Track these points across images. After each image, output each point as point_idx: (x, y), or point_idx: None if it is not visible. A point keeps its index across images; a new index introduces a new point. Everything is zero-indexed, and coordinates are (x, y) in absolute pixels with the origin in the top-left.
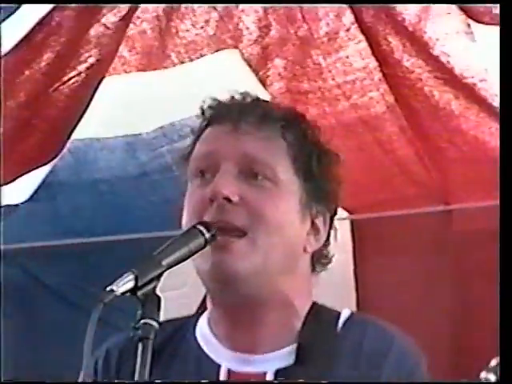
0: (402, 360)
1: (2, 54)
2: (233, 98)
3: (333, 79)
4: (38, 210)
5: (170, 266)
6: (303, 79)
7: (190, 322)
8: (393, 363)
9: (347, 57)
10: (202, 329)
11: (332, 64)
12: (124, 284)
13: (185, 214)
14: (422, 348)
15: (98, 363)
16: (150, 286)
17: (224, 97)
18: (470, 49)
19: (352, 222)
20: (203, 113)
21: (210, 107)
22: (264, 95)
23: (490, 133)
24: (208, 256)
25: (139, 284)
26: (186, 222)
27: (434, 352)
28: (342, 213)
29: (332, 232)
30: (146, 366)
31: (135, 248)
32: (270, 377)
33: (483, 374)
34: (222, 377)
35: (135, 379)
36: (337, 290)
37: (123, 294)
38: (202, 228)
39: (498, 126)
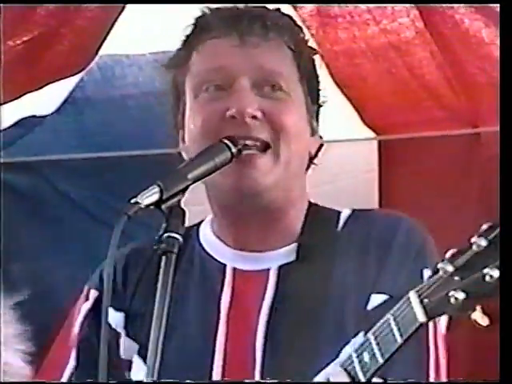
0: (410, 236)
1: None
2: (230, 6)
3: (363, 3)
4: (64, 123)
5: (196, 180)
6: (334, 2)
7: (193, 229)
8: (401, 240)
9: None
10: (205, 234)
11: None
12: (149, 196)
13: (192, 129)
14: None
15: (102, 273)
16: (175, 200)
17: (220, 5)
18: None
19: (379, 143)
20: (198, 22)
21: (210, 18)
22: (294, 17)
23: None
24: (231, 171)
25: (164, 197)
26: (197, 138)
27: None
28: (369, 133)
29: None
30: (169, 279)
31: (162, 163)
32: (273, 272)
33: (474, 239)
34: (229, 274)
35: (158, 291)
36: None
37: (147, 206)
38: (228, 142)
39: None
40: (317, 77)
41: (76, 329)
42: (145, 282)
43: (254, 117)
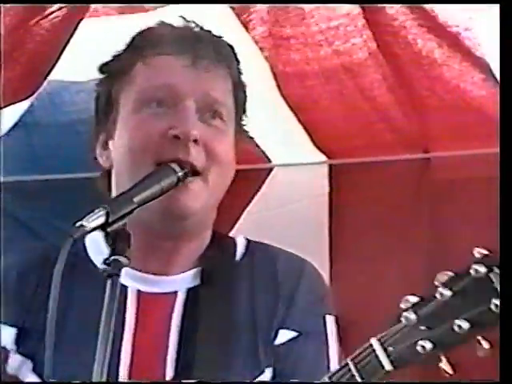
0: (316, 279)
1: None
2: (186, 26)
3: (316, 25)
4: (13, 146)
5: (142, 204)
6: (286, 24)
7: (76, 245)
8: (308, 282)
9: (331, 2)
10: (100, 251)
11: (315, 9)
12: (95, 219)
13: (128, 141)
14: (396, 292)
15: None
16: (121, 223)
17: (175, 23)
18: None
19: (330, 167)
20: (150, 33)
21: (161, 31)
22: (246, 39)
23: (472, 82)
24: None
25: (110, 220)
26: (131, 150)
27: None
28: (320, 157)
29: None
30: (115, 302)
31: None
32: (181, 295)
33: (404, 314)
34: (131, 297)
35: (103, 318)
36: (311, 231)
37: (93, 229)
38: (175, 166)
39: (481, 76)
40: (245, 111)
41: None
42: (40, 296)
43: (195, 140)
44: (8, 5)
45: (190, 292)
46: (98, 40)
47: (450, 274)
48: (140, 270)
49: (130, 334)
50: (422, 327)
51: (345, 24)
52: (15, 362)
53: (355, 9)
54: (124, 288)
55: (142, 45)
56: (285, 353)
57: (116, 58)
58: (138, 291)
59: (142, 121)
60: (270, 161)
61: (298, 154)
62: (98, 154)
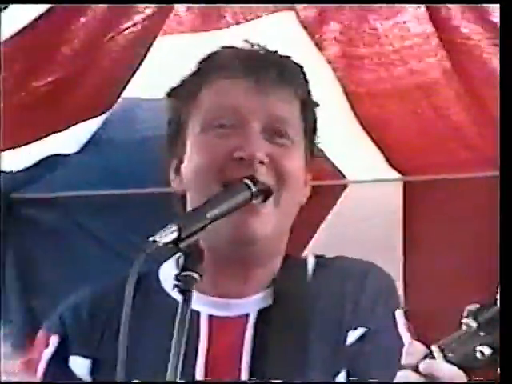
0: (381, 278)
1: None
2: (249, 49)
3: (390, 44)
4: (87, 162)
5: (215, 219)
6: (359, 44)
7: (150, 273)
8: (373, 281)
9: (404, 22)
10: (172, 278)
11: (389, 29)
12: (167, 235)
13: (197, 162)
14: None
15: (65, 320)
16: (193, 238)
17: (239, 45)
18: None
19: (404, 184)
20: (215, 57)
21: (225, 55)
22: (320, 59)
23: None
24: (233, 217)
25: (182, 235)
26: (199, 171)
27: None
28: (394, 174)
29: None
30: (187, 317)
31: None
32: (252, 317)
33: (464, 320)
34: (204, 322)
35: (175, 335)
36: (384, 249)
37: (166, 244)
38: (249, 182)
39: None
40: (315, 130)
41: (39, 376)
42: (112, 328)
43: (261, 162)
44: (8, 5)
45: (261, 313)
46: (170, 58)
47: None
48: (212, 295)
49: (203, 360)
50: (482, 333)
51: (419, 43)
52: None
53: (429, 28)
54: (196, 314)
55: (207, 69)
56: (355, 352)
57: (183, 83)
58: (210, 316)
59: (208, 142)
60: (344, 177)
61: (373, 171)
62: (172, 179)
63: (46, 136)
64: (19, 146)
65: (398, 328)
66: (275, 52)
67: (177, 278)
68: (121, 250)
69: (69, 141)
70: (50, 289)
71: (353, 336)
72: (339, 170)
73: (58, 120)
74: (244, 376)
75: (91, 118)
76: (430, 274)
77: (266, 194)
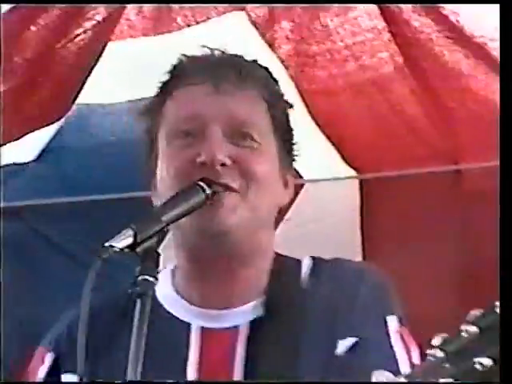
0: (374, 285)
1: (8, 8)
2: (207, 54)
3: (341, 41)
4: (44, 170)
5: (170, 222)
6: (311, 41)
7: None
8: (366, 289)
9: (355, 18)
10: (163, 290)
11: (340, 25)
12: (123, 240)
13: (165, 175)
14: (426, 304)
15: (60, 335)
16: (150, 242)
17: (196, 53)
18: (480, 7)
19: (360, 182)
20: (175, 70)
21: (185, 65)
22: (272, 58)
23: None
24: (199, 211)
25: (138, 240)
26: (168, 183)
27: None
28: (350, 172)
29: None
30: (145, 322)
31: (140, 206)
32: (244, 329)
33: (463, 327)
34: (195, 334)
35: (133, 337)
36: (343, 248)
37: (122, 249)
38: (203, 184)
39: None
40: (290, 130)
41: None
42: (103, 345)
43: (223, 164)
44: (7, 4)
45: (253, 324)
46: (123, 63)
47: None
48: (203, 307)
49: (194, 372)
50: (447, 365)
51: (370, 39)
52: None
53: (380, 23)
54: (187, 325)
55: (169, 82)
56: (346, 362)
57: (150, 101)
58: (201, 328)
59: (173, 153)
60: (300, 177)
61: (328, 169)
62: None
63: (2, 145)
64: None
65: (389, 335)
66: (235, 55)
67: (134, 282)
68: (81, 258)
69: (24, 149)
70: (11, 300)
71: (343, 346)
72: (295, 169)
73: (12, 129)
74: None
75: (46, 125)
76: (389, 273)
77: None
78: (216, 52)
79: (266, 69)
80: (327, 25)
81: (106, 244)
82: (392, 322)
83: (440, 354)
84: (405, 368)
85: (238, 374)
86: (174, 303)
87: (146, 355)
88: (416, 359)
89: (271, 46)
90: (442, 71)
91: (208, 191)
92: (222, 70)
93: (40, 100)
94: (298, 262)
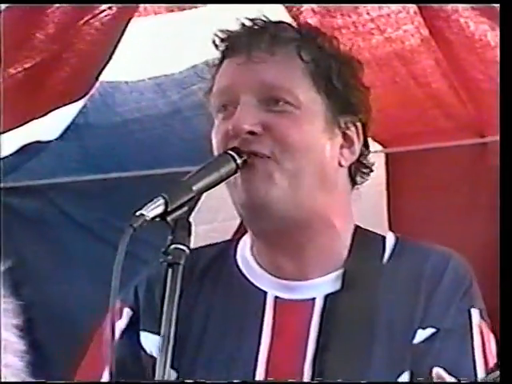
0: (459, 274)
1: None
2: (243, 25)
3: (367, 13)
4: (67, 148)
5: (201, 192)
6: (336, 14)
7: (229, 247)
8: (450, 277)
9: None
10: (244, 256)
11: None
12: (154, 209)
13: (214, 149)
14: None
15: (138, 294)
16: (181, 212)
17: (235, 27)
18: None
19: (386, 155)
20: (217, 47)
21: (222, 40)
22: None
23: None
24: (238, 184)
25: (169, 209)
26: (214, 155)
27: None
28: (375, 146)
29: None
30: (176, 291)
31: (166, 183)
32: (319, 302)
33: None
34: (270, 304)
35: (164, 306)
36: (369, 222)
37: (153, 218)
38: (233, 153)
39: None
40: (345, 86)
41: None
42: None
43: (251, 132)
44: (5, 5)
45: (329, 298)
46: (147, 39)
47: None
48: (278, 277)
49: (267, 341)
50: None
51: (396, 11)
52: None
53: None
54: (264, 293)
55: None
56: (422, 352)
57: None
58: (276, 297)
59: (217, 126)
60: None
61: None
62: None
63: (25, 123)
64: None
65: (471, 329)
66: (268, 22)
67: (165, 251)
68: (105, 236)
69: (48, 127)
70: (36, 276)
71: (422, 335)
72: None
73: (36, 106)
74: (308, 362)
75: (70, 103)
76: None
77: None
78: (248, 22)
79: (302, 26)
80: None
81: (137, 213)
82: (475, 315)
83: None
84: (480, 364)
85: (311, 347)
86: (252, 270)
87: (225, 317)
88: (492, 355)
89: (297, 19)
90: (467, 43)
91: (238, 160)
92: (254, 38)
93: (63, 77)
94: (383, 238)
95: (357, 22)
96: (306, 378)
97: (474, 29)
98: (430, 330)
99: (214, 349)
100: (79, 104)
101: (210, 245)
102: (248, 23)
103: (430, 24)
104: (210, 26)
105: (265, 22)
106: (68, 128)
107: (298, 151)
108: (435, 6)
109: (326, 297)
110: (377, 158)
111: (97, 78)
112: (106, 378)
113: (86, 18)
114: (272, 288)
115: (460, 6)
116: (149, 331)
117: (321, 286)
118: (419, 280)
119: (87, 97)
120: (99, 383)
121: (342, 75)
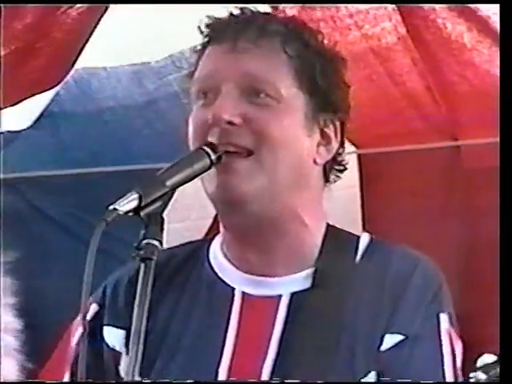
0: (427, 278)
1: None
2: (231, 14)
3: (345, 8)
4: (40, 138)
5: (174, 187)
6: (316, 7)
7: (203, 245)
8: (418, 281)
9: None
10: (215, 253)
11: None
12: (127, 203)
13: (189, 136)
14: None
15: (106, 291)
16: (154, 206)
17: (222, 14)
18: None
19: (359, 157)
20: (202, 32)
21: (207, 25)
22: None
23: None
24: (214, 178)
25: (142, 204)
26: (191, 145)
27: None
28: (348, 147)
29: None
30: (148, 286)
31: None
32: (285, 299)
33: (472, 374)
34: (237, 299)
35: (137, 298)
36: (343, 224)
37: (126, 213)
38: (207, 149)
39: None
40: (328, 84)
41: (73, 343)
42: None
43: (231, 123)
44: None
45: (295, 296)
46: (126, 26)
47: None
48: (246, 271)
49: (233, 337)
50: None
51: (374, 8)
52: (125, 364)
53: None
54: (231, 289)
55: (202, 44)
56: (391, 359)
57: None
58: (243, 293)
59: (194, 113)
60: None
61: None
62: None
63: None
64: None
65: (440, 334)
66: (256, 12)
67: (137, 246)
68: (77, 231)
69: (20, 115)
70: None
71: (389, 342)
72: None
73: (9, 94)
74: (269, 359)
75: (44, 90)
76: None
77: (244, 154)
78: (236, 11)
79: (289, 20)
80: None
81: (111, 207)
82: (444, 320)
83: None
84: (449, 371)
85: (273, 346)
86: (221, 266)
87: (191, 313)
88: (459, 361)
89: (276, 9)
90: (444, 44)
91: (213, 156)
92: (240, 27)
93: (38, 65)
94: (357, 238)
95: (335, 16)
96: (265, 377)
97: (451, 30)
98: (397, 337)
99: (174, 347)
100: (53, 91)
101: (184, 243)
102: (236, 12)
103: (408, 22)
104: (189, 16)
105: (253, 12)
106: (41, 116)
107: (276, 145)
108: (413, 5)
109: (293, 294)
110: (350, 159)
111: (72, 66)
112: (67, 376)
113: (63, 9)
114: (240, 283)
115: (437, 6)
116: (112, 325)
117: (288, 284)
118: (384, 283)
119: (61, 84)
120: (98, 383)
121: (326, 73)
